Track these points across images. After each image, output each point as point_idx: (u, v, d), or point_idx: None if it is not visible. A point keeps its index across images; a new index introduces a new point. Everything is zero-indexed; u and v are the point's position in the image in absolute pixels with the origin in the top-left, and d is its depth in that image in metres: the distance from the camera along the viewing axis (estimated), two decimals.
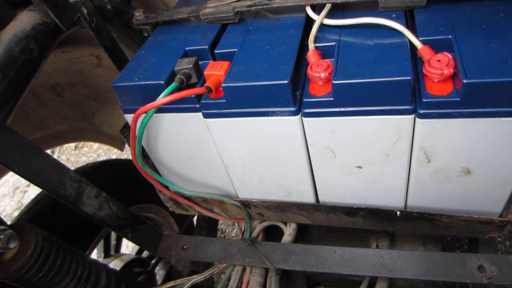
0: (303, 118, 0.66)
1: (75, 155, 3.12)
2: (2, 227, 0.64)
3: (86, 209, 0.77)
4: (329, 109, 0.63)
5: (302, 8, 0.77)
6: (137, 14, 0.88)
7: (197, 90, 0.67)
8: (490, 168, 0.65)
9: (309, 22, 0.76)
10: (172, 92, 0.66)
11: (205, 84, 0.67)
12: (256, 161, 0.77)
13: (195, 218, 1.46)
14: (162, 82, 0.70)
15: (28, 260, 0.67)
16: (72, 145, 3.11)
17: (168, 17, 0.85)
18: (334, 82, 0.60)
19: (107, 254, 1.31)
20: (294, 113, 0.65)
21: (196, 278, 0.84)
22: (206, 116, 0.71)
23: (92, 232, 1.12)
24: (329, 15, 0.72)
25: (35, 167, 0.67)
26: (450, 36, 0.61)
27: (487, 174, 0.66)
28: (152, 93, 0.71)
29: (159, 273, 1.39)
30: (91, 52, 1.07)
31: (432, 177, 0.70)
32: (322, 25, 0.71)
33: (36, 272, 0.70)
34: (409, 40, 0.63)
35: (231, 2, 0.80)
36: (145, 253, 1.47)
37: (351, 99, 0.61)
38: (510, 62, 0.54)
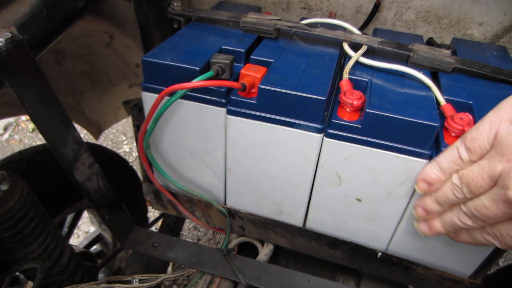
0: (325, 138, 0.69)
1: (30, 137, 2.92)
2: None
3: (77, 175, 0.72)
4: (354, 135, 0.67)
5: (335, 44, 0.82)
6: (175, 4, 0.90)
7: (233, 83, 0.68)
8: None
9: (342, 57, 0.82)
10: (207, 80, 0.67)
11: (241, 81, 0.69)
12: (261, 170, 0.78)
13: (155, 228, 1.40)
14: (197, 69, 0.71)
15: (8, 210, 0.62)
16: (30, 126, 2.93)
17: (206, 14, 0.87)
18: (368, 110, 0.63)
19: None
20: (319, 131, 0.68)
21: (166, 277, 0.80)
22: (230, 112, 0.72)
23: (52, 212, 1.04)
24: (364, 55, 0.77)
25: (47, 114, 0.63)
26: (470, 102, 0.68)
27: None
28: (183, 77, 0.71)
29: (99, 276, 1.29)
30: (107, 29, 1.05)
31: None
32: (356, 62, 0.76)
33: (10, 226, 0.64)
34: (434, 95, 0.69)
35: (273, 19, 0.84)
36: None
37: (377, 131, 0.65)
38: None
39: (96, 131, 1.43)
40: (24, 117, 3.07)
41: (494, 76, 0.74)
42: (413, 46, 0.77)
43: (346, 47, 0.79)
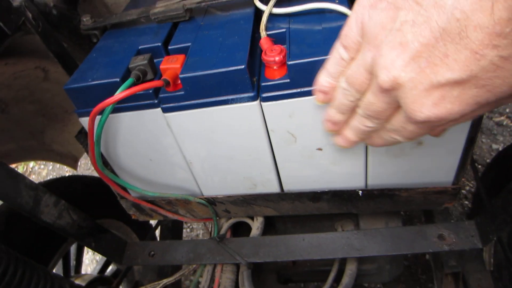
0: (262, 103, 0.67)
1: None
2: None
3: (45, 217, 0.73)
4: (287, 91, 0.65)
5: (250, 3, 0.79)
6: (84, 20, 0.87)
7: (155, 83, 0.67)
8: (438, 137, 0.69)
9: (258, 15, 0.79)
10: (128, 88, 0.66)
11: (162, 77, 0.68)
12: (219, 153, 0.77)
13: (157, 233, 1.42)
14: (118, 80, 0.69)
15: None
16: (19, 170, 2.95)
17: (117, 19, 0.84)
18: (289, 63, 0.62)
19: (66, 276, 1.24)
20: (252, 99, 0.66)
21: (166, 281, 0.82)
22: (165, 110, 0.71)
23: (49, 251, 1.06)
24: (277, 5, 0.74)
25: None
26: None
27: (436, 142, 0.70)
28: (107, 92, 0.69)
29: None
30: (37, 65, 1.03)
31: (388, 152, 0.73)
32: (271, 15, 0.74)
33: None
34: None
35: (180, 1, 0.81)
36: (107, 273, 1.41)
37: (306, 79, 0.63)
38: None
39: (73, 162, 1.43)
40: (32, 164, 3.10)
41: None
42: None
43: (257, 3, 0.76)
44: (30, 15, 0.75)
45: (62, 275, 1.23)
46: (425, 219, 1.02)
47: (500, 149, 2.05)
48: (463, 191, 1.88)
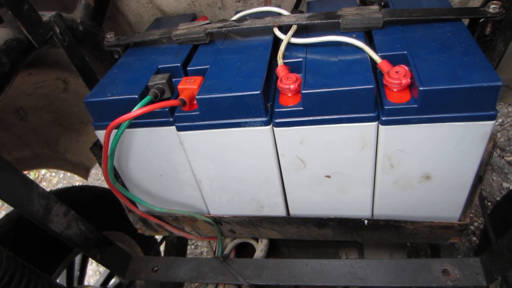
0: (274, 128, 0.69)
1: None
2: None
3: (54, 227, 0.74)
4: (299, 118, 0.67)
5: (269, 31, 0.82)
6: (108, 36, 0.91)
7: (172, 102, 0.69)
8: (447, 172, 0.70)
9: (276, 43, 0.81)
10: (146, 105, 0.68)
11: (179, 97, 0.70)
12: (228, 174, 0.79)
13: (162, 247, 1.42)
14: (136, 97, 0.71)
15: None
16: (31, 177, 3.00)
17: (140, 38, 0.87)
18: (304, 91, 0.64)
19: (69, 286, 1.25)
20: (265, 123, 0.68)
21: None
22: (179, 129, 0.73)
23: (55, 260, 1.07)
24: (295, 35, 0.77)
25: (2, 181, 0.65)
26: (405, 52, 0.68)
27: (445, 178, 0.71)
28: (125, 107, 0.72)
29: None
30: (58, 76, 1.06)
31: (395, 184, 0.74)
32: (289, 44, 0.76)
33: None
34: (369, 56, 0.69)
35: (202, 25, 0.84)
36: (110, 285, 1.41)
37: (319, 108, 0.65)
38: (458, 72, 0.60)
39: (84, 172, 1.45)
40: (44, 171, 3.14)
41: (425, 18, 0.73)
42: (341, 11, 0.76)
43: (276, 32, 0.79)
44: (58, 30, 0.78)
45: (65, 285, 1.23)
46: (431, 252, 1.02)
47: (511, 187, 2.04)
48: (471, 227, 1.86)
